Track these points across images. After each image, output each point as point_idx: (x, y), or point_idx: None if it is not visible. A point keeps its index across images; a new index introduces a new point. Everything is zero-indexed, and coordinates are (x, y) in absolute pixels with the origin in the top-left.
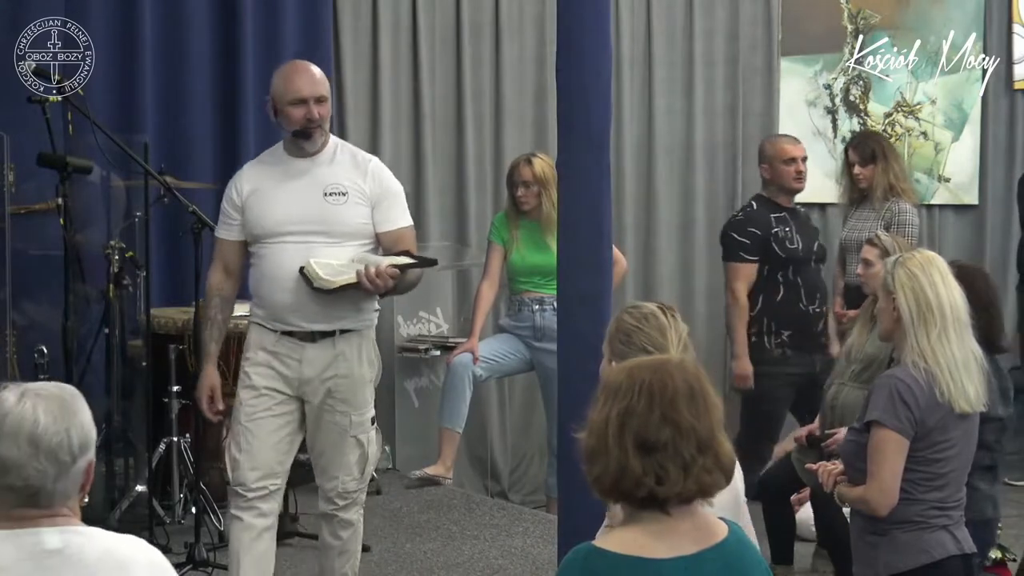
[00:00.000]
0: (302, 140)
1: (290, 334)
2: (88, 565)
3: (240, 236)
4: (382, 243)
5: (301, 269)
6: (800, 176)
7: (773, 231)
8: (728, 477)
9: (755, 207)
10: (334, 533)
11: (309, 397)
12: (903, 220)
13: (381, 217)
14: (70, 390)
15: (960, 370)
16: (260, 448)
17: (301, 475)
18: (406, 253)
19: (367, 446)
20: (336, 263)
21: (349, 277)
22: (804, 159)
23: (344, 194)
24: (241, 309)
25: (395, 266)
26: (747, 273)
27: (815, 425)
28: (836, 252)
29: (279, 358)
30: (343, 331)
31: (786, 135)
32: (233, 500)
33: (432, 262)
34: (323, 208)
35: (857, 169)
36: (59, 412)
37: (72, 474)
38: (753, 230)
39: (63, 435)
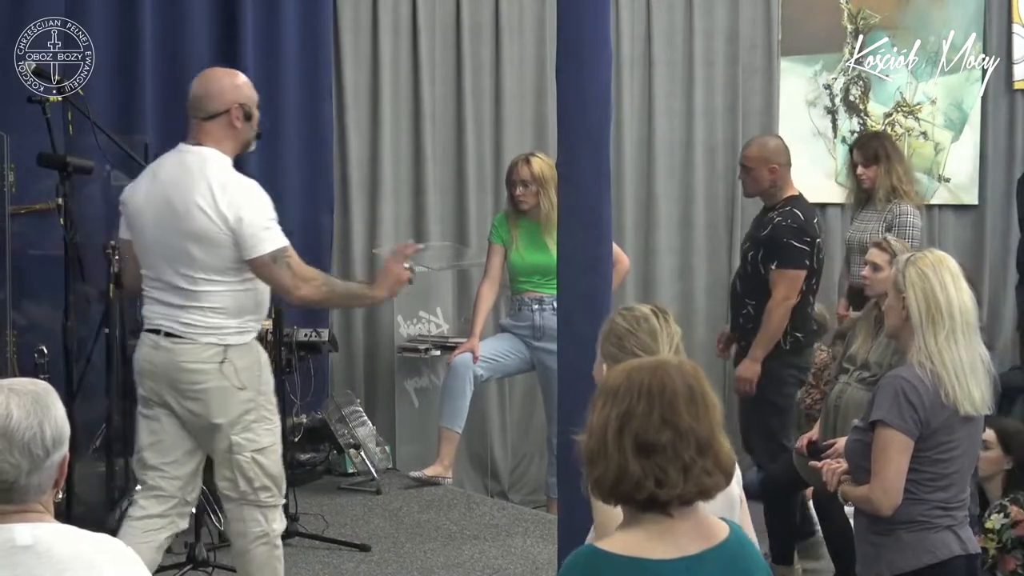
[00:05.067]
0: (255, 142)
1: None
2: (58, 562)
3: None
4: None
5: None
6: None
7: None
8: (728, 478)
9: None
10: None
11: None
12: (904, 222)
13: None
14: (43, 385)
15: (966, 373)
16: None
17: (301, 475)
18: None
19: None
20: None
21: None
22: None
23: None
24: None
25: None
26: None
27: (815, 432)
28: (843, 253)
29: None
30: None
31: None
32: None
33: None
34: None
35: (860, 170)
36: (32, 407)
37: (45, 469)
38: None
39: (36, 429)
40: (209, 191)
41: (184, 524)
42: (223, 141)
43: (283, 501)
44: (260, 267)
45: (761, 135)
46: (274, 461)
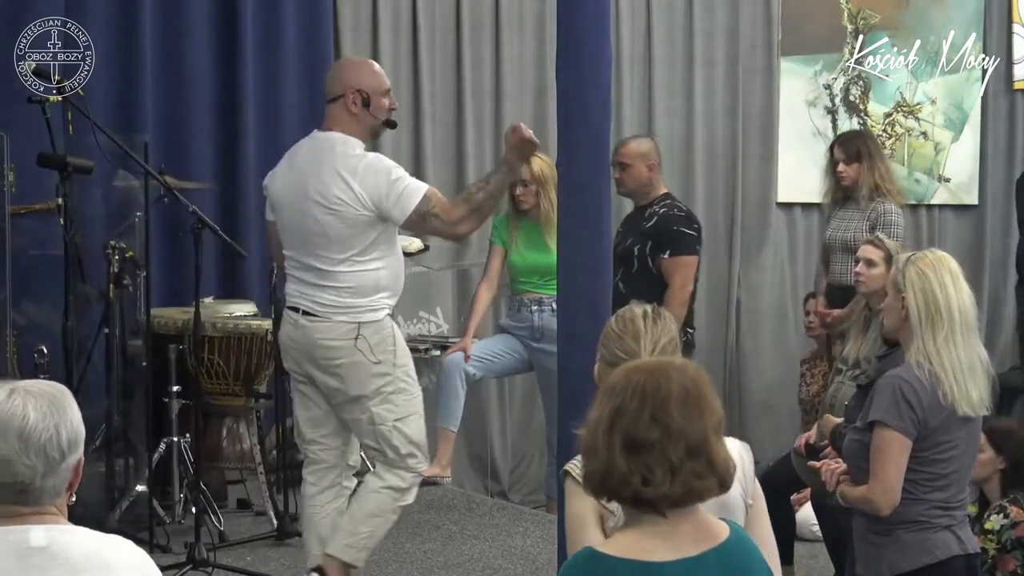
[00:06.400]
0: (387, 129)
1: None
2: (73, 564)
3: None
4: None
5: None
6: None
7: None
8: (724, 483)
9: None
10: None
11: None
12: (888, 221)
13: None
14: (60, 388)
15: (965, 374)
16: None
17: (298, 476)
18: None
19: None
20: None
21: None
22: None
23: None
24: (242, 309)
25: None
26: None
27: (812, 433)
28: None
29: None
30: None
31: None
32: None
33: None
34: None
35: (841, 167)
36: (49, 409)
37: (61, 471)
38: None
39: (52, 431)
40: (340, 177)
41: (351, 484)
42: (347, 125)
43: (422, 476)
44: (413, 227)
45: (634, 136)
46: (417, 428)
